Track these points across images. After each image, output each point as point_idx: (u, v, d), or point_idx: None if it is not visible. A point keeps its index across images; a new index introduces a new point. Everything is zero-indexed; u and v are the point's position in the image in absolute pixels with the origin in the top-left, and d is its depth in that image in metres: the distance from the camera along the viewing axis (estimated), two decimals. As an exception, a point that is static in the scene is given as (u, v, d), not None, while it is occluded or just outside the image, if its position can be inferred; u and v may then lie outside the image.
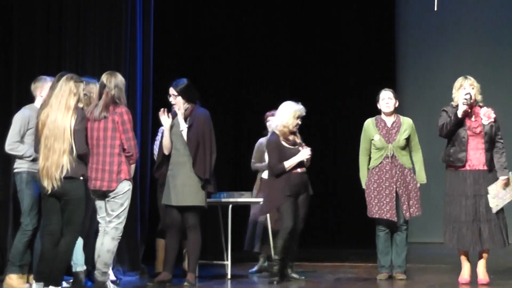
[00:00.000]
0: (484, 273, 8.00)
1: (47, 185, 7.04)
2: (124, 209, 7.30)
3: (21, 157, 7.87)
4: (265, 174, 9.21)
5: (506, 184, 7.91)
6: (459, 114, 7.89)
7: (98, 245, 7.30)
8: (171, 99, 8.22)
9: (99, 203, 7.35)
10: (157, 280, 8.10)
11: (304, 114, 8.32)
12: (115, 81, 7.33)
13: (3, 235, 8.29)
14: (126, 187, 7.30)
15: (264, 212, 8.80)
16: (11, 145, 7.89)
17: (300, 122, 8.31)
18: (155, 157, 8.74)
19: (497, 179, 7.93)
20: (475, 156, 7.97)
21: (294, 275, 8.57)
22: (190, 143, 8.06)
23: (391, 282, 8.32)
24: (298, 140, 8.37)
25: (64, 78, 7.18)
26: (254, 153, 9.55)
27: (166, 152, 8.21)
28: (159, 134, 8.73)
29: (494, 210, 7.90)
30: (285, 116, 8.28)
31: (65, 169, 7.00)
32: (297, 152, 8.27)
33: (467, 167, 7.98)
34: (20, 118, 7.91)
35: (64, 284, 7.79)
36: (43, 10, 9.33)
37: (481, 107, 8.03)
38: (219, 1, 12.44)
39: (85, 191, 7.21)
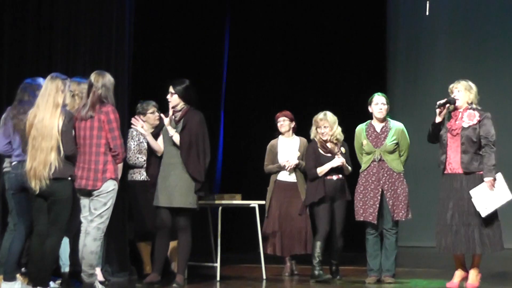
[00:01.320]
0: (474, 278, 7.97)
1: (35, 185, 7.03)
2: (107, 208, 7.24)
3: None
4: (280, 176, 9.35)
5: (493, 186, 7.83)
6: (436, 119, 7.98)
7: (80, 246, 7.27)
8: (168, 96, 8.23)
9: (83, 202, 7.30)
10: (146, 282, 8.07)
11: (320, 122, 8.77)
12: (102, 80, 7.31)
13: None
14: (110, 186, 7.24)
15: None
16: (2, 148, 7.84)
17: (323, 131, 8.77)
18: (133, 160, 8.90)
19: (477, 181, 7.88)
20: (455, 159, 7.96)
21: (337, 277, 8.88)
22: (182, 144, 8.05)
23: (379, 285, 8.33)
24: (336, 149, 8.78)
25: (49, 77, 7.19)
26: (266, 155, 9.52)
27: (159, 154, 8.29)
28: (129, 136, 8.86)
29: (483, 214, 7.82)
30: (312, 126, 8.84)
31: (53, 167, 7.00)
32: (330, 160, 8.70)
33: (448, 170, 7.98)
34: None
35: (52, 284, 7.79)
36: (34, 9, 9.29)
37: (473, 109, 7.99)
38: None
39: (72, 191, 7.19)
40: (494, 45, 12.01)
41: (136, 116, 8.91)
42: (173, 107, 8.21)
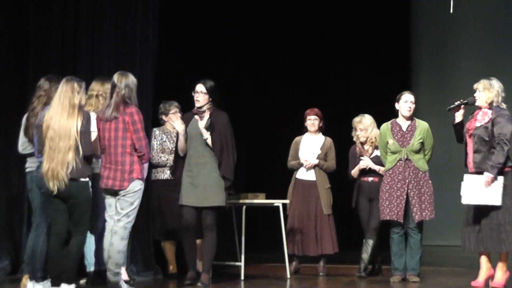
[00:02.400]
0: (499, 277, 7.91)
1: (53, 186, 7.02)
2: (134, 208, 7.27)
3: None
4: (299, 175, 9.37)
5: (488, 183, 7.74)
6: (456, 120, 8.04)
7: (106, 245, 7.29)
8: (196, 95, 8.21)
9: (108, 201, 7.32)
10: (187, 279, 8.13)
11: (357, 125, 9.02)
12: (126, 81, 7.32)
13: (19, 235, 8.20)
14: (137, 186, 7.26)
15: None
16: (21, 146, 7.92)
17: (359, 133, 9.02)
18: (156, 159, 8.98)
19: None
20: (470, 158, 7.95)
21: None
22: (214, 146, 8.13)
23: (404, 284, 8.33)
24: (369, 153, 9.02)
25: (64, 79, 7.20)
26: (290, 150, 9.52)
27: (181, 154, 8.26)
28: (152, 136, 8.94)
29: (464, 202, 7.82)
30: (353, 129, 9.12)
31: (70, 167, 6.99)
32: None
33: (469, 170, 7.96)
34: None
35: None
36: (59, 10, 9.37)
37: (491, 108, 7.92)
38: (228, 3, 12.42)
39: (95, 191, 7.27)
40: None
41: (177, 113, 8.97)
42: (199, 107, 8.20)
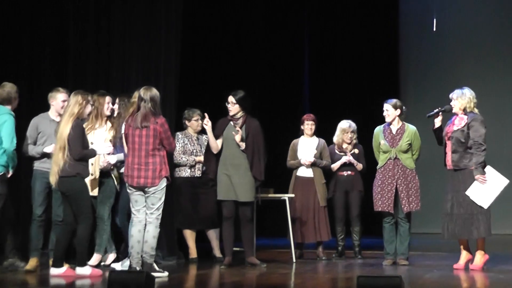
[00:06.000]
0: (478, 260, 7.96)
1: (52, 180, 7.34)
2: (162, 202, 7.44)
3: (35, 157, 8.06)
4: (299, 172, 9.36)
5: (485, 180, 7.82)
6: (435, 126, 8.14)
7: (136, 233, 7.38)
8: (229, 106, 8.30)
9: (135, 197, 7.44)
10: (224, 264, 8.23)
11: (350, 129, 9.31)
12: (150, 94, 7.42)
13: (28, 227, 8.29)
14: (164, 183, 7.43)
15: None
16: (24, 148, 8.12)
17: (350, 135, 9.31)
18: (178, 160, 8.98)
19: (465, 178, 7.90)
20: (448, 157, 8.02)
21: (359, 257, 9.29)
22: (248, 151, 8.24)
23: (395, 267, 8.33)
24: (349, 150, 9.31)
25: (73, 93, 7.44)
26: (289, 151, 9.48)
27: (215, 152, 8.33)
28: (175, 139, 8.84)
29: (486, 206, 7.85)
30: (337, 131, 9.39)
31: (60, 166, 7.24)
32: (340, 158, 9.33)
33: (447, 167, 8.05)
34: (30, 125, 8.16)
35: (119, 266, 8.05)
36: (94, 32, 9.46)
37: (466, 114, 8.00)
38: (244, 14, 12.36)
39: (85, 185, 7.47)
40: (491, 55, 11.97)
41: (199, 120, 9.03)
42: (233, 116, 8.30)
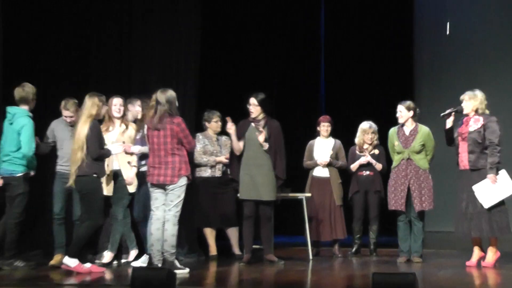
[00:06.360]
0: (489, 258, 8.01)
1: (70, 180, 7.43)
2: (181, 200, 7.45)
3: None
4: (315, 172, 9.41)
5: (494, 181, 7.87)
6: (446, 126, 8.13)
7: (155, 231, 7.40)
8: (250, 107, 8.35)
9: (155, 195, 7.48)
10: (244, 261, 8.31)
11: (371, 130, 9.39)
12: (165, 97, 7.45)
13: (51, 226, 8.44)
14: (183, 181, 7.47)
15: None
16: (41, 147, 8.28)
17: (371, 136, 9.40)
18: (199, 160, 9.04)
19: (482, 177, 7.93)
20: (464, 157, 8.04)
21: (374, 254, 9.41)
22: (270, 151, 8.32)
23: (409, 264, 8.35)
24: (369, 151, 9.39)
25: (88, 95, 7.52)
26: (305, 152, 9.52)
27: (237, 153, 8.39)
28: (196, 140, 8.92)
29: (486, 206, 7.89)
30: (358, 132, 9.45)
31: (78, 165, 7.34)
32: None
33: (461, 167, 8.09)
34: (49, 128, 8.36)
35: (139, 263, 8.11)
36: (115, 37, 9.55)
37: (480, 115, 8.04)
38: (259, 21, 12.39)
39: (100, 185, 7.54)
40: (503, 59, 11.92)
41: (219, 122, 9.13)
42: (254, 118, 8.36)
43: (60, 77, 9.79)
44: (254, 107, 8.35)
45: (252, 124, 8.39)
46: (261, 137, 8.31)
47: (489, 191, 7.88)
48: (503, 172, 7.93)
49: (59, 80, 9.77)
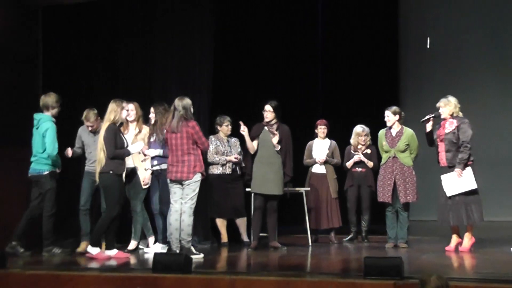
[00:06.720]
0: (466, 243, 8.01)
1: (96, 178, 7.56)
2: (196, 193, 7.45)
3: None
4: (314, 169, 9.38)
5: (460, 175, 7.85)
6: (427, 130, 8.11)
7: (173, 221, 7.40)
8: (265, 113, 8.39)
9: (174, 190, 7.48)
10: (251, 247, 8.32)
11: (364, 132, 9.32)
12: (182, 104, 7.49)
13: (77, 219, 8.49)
14: (198, 177, 7.47)
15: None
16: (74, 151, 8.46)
17: (364, 138, 9.33)
18: (211, 159, 8.99)
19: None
20: (442, 156, 8.05)
21: (365, 241, 9.39)
22: (281, 151, 8.36)
23: (396, 249, 8.37)
24: (362, 150, 9.34)
25: (112, 100, 7.58)
26: (305, 151, 9.50)
27: (251, 152, 8.42)
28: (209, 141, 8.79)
29: (449, 194, 7.87)
30: (352, 135, 9.39)
31: (101, 163, 7.43)
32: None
33: (441, 164, 8.09)
34: (77, 136, 8.47)
35: (160, 247, 8.12)
36: (140, 50, 9.56)
37: (454, 118, 8.04)
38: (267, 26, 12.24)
39: (117, 181, 7.51)
40: (477, 70, 11.93)
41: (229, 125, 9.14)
42: (268, 122, 8.40)
43: (93, 86, 9.82)
44: (269, 112, 8.40)
45: (266, 127, 8.42)
46: (275, 139, 8.35)
47: (453, 182, 7.88)
48: (468, 169, 7.91)
49: (93, 88, 9.80)
